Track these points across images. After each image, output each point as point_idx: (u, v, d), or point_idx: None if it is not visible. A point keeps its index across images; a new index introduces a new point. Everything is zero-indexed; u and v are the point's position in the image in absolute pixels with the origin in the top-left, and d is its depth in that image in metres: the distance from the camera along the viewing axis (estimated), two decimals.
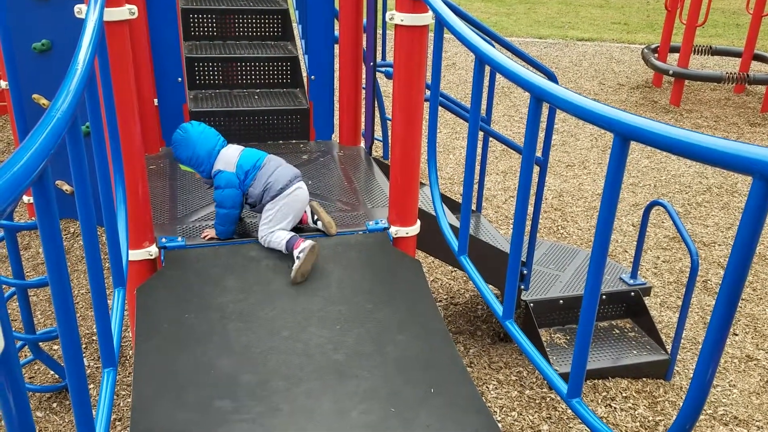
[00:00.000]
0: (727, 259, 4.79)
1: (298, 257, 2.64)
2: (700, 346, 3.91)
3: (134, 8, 2.42)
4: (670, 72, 7.92)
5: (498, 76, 3.88)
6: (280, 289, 2.60)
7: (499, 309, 2.34)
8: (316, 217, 2.88)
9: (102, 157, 2.06)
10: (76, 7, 2.28)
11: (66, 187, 4.62)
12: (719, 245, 5.02)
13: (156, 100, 3.67)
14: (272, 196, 2.73)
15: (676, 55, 8.12)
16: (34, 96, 4.41)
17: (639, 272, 3.99)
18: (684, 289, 4.24)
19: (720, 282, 4.61)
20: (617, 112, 1.52)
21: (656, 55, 8.47)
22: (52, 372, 3.43)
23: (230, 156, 2.78)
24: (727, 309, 1.21)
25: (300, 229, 2.89)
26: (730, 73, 7.70)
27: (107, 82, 2.23)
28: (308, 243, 2.65)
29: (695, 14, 7.66)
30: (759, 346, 3.91)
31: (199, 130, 2.81)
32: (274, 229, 2.73)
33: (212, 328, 2.41)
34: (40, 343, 3.24)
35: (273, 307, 2.53)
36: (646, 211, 3.72)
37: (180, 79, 3.69)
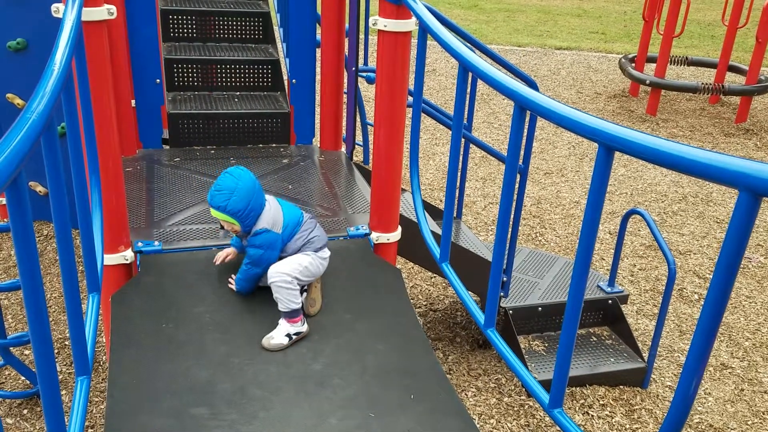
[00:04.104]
0: (702, 267, 4.86)
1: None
2: (676, 354, 3.95)
3: (113, 8, 2.38)
4: (647, 82, 8.02)
5: (478, 83, 3.89)
6: (258, 299, 2.57)
7: (480, 317, 2.33)
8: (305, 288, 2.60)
9: (78, 159, 2.01)
10: (53, 6, 2.24)
11: (40, 189, 4.53)
12: (695, 254, 5.08)
13: (134, 102, 3.61)
14: (314, 250, 2.56)
15: (653, 65, 8.22)
16: (9, 95, 4.32)
17: (616, 280, 4.01)
18: (660, 297, 4.28)
19: (695, 290, 4.63)
20: (602, 122, 1.52)
21: (633, 64, 8.57)
22: (23, 378, 3.35)
23: (275, 215, 2.52)
24: (711, 322, 1.21)
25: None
26: (706, 84, 7.81)
27: (84, 83, 2.18)
28: (304, 327, 2.46)
29: (672, 25, 7.77)
30: (734, 355, 3.95)
31: (252, 178, 2.49)
32: (296, 284, 2.47)
33: (189, 339, 2.37)
34: (11, 348, 3.16)
35: (251, 318, 2.50)
36: (624, 220, 3.74)
37: (158, 80, 3.64)
